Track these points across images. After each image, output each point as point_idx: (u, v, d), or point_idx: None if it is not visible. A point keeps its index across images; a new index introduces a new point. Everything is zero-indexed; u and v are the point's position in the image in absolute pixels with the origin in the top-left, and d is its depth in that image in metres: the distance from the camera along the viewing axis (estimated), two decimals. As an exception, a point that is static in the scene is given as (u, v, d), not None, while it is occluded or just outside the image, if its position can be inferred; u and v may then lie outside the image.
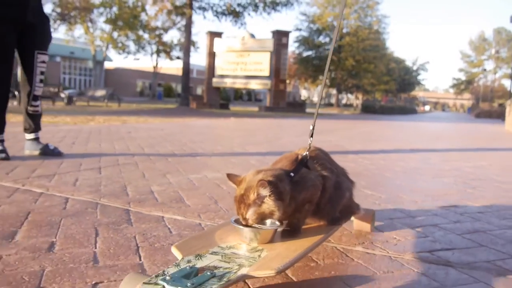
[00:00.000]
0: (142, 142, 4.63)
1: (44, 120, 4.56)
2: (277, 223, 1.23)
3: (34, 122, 3.36)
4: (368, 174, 3.18)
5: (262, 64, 21.42)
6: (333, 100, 68.84)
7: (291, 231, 1.29)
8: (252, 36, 21.91)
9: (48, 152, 3.33)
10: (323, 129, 9.12)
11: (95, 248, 1.39)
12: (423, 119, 21.89)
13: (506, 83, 61.66)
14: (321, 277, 1.25)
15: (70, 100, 19.58)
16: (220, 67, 22.21)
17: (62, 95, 20.21)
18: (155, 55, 43.72)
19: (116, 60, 39.38)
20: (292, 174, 1.26)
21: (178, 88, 61.23)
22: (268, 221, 1.24)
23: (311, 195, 1.31)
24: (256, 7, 22.27)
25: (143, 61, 47.55)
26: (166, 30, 40.58)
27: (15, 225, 1.60)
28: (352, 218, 1.65)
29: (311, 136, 1.41)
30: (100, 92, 23.12)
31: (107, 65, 44.38)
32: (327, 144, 5.41)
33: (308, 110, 23.79)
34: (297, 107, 22.89)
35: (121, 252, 1.36)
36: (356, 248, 1.51)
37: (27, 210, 1.80)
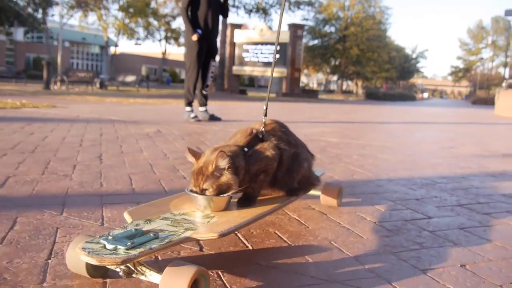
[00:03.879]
0: (241, 115, 6.97)
1: (129, 101, 6.82)
2: (231, 192, 1.25)
3: (205, 99, 5.69)
4: (399, 132, 5.57)
5: (278, 54, 23.68)
6: (332, 87, 71.16)
7: (246, 200, 1.33)
8: (270, 28, 24.17)
9: (213, 118, 5.68)
10: (347, 110, 11.44)
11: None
12: (423, 105, 24.29)
13: (503, 71, 63.41)
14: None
15: (102, 84, 21.67)
16: (240, 56, 24.47)
17: (96, 80, 22.17)
18: (163, 42, 44.83)
19: (119, 46, 41.32)
20: (246, 149, 1.33)
21: (182, 73, 63.21)
22: None
23: (266, 165, 1.34)
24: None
25: (146, 46, 49.01)
26: (174, 17, 42.47)
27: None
28: (319, 193, 1.72)
29: (265, 115, 1.47)
30: (130, 78, 25.32)
31: (113, 50, 45.96)
32: (358, 119, 7.79)
33: (320, 96, 26.10)
34: (310, 93, 25.26)
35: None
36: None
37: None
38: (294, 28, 23.66)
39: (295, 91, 24.12)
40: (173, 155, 2.76)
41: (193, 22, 5.32)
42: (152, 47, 58.93)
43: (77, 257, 0.98)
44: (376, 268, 1.15)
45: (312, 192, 1.65)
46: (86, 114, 5.77)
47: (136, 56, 56.92)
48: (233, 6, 24.68)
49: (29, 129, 3.71)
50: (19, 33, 43.93)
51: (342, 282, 1.07)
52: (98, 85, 21.68)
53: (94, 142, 3.14)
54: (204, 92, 5.68)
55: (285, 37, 23.41)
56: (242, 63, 24.45)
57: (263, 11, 25.16)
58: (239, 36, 24.36)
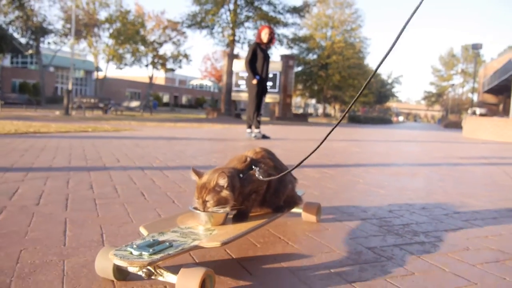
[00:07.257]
0: (277, 134, 9.36)
1: (167, 125, 9.03)
2: (228, 209, 1.48)
3: (259, 124, 8.05)
4: (395, 147, 8.06)
5: (272, 82, 26.34)
6: (309, 110, 74.27)
7: (240, 216, 1.58)
8: (264, 58, 26.95)
9: (265, 137, 8.04)
10: (345, 132, 13.92)
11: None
12: (401, 127, 27.16)
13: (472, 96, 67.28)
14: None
15: (107, 110, 23.53)
16: (237, 83, 27.03)
17: (100, 105, 23.85)
18: (150, 67, 45.68)
19: (103, 70, 42.23)
20: (241, 175, 1.56)
21: (165, 97, 64.68)
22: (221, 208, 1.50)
23: (257, 186, 1.61)
24: (281, 42, 27.55)
25: (128, 71, 49.90)
26: (161, 44, 44.60)
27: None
28: (300, 211, 1.99)
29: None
30: (135, 103, 27.48)
31: (101, 75, 46.96)
32: (360, 138, 10.29)
33: (309, 120, 28.69)
34: (301, 117, 27.94)
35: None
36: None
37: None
38: (286, 58, 26.45)
39: (287, 115, 26.72)
40: (285, 155, 5.14)
41: (253, 70, 7.74)
42: (135, 72, 59.72)
43: (105, 262, 1.21)
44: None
45: (295, 210, 1.95)
46: (173, 135, 8.09)
47: (120, 80, 58.05)
48: (238, 41, 27.56)
49: (178, 143, 6.04)
50: (6, 59, 44.65)
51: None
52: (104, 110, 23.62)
53: (228, 149, 5.49)
54: (258, 118, 8.06)
55: (277, 66, 26.08)
56: (239, 89, 26.99)
57: (265, 47, 28.14)
58: (236, 65, 26.95)
